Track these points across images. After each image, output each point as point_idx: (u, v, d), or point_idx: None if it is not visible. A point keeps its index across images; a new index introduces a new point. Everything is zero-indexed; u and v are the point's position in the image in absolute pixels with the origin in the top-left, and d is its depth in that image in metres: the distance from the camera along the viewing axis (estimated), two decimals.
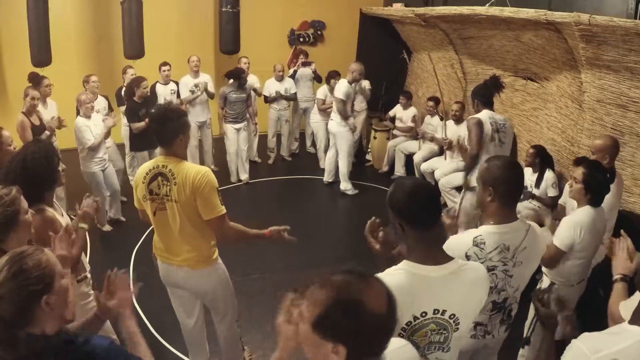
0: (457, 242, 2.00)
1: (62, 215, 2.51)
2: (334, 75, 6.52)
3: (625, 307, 1.79)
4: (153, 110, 2.53)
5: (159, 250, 2.65)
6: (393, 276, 1.56)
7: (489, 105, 4.07)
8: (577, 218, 2.64)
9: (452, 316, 1.58)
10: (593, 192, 2.63)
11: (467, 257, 1.94)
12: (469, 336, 2.16)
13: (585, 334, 1.33)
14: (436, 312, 1.56)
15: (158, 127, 2.43)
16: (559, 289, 2.75)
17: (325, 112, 6.49)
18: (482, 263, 1.95)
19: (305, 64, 7.26)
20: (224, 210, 2.46)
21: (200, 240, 2.55)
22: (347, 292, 1.11)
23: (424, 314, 1.55)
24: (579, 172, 2.67)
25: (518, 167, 2.04)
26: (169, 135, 2.41)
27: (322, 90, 6.62)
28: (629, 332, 1.29)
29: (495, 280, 2.02)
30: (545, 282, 2.83)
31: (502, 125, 4.03)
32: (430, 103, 6.17)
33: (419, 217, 1.56)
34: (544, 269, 2.84)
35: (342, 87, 5.70)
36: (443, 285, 1.55)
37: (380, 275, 1.57)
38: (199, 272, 2.61)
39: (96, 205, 2.53)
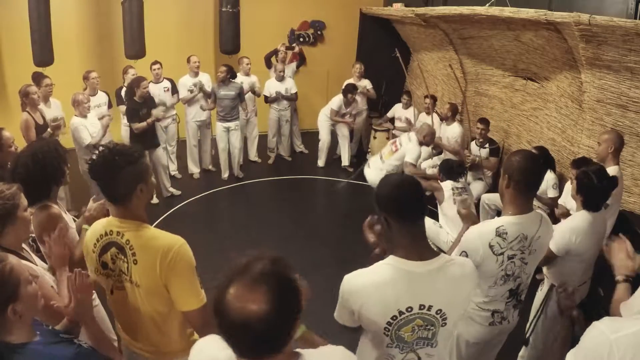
0: (479, 232, 2.07)
1: (65, 213, 2.52)
2: (351, 90, 6.48)
3: (625, 307, 1.80)
4: (94, 158, 1.74)
5: (120, 330, 2.03)
6: (378, 270, 1.60)
7: (452, 178, 4.36)
8: (572, 224, 2.62)
9: (438, 312, 1.60)
10: (584, 194, 2.60)
11: (491, 247, 2.03)
12: (487, 324, 2.25)
13: (606, 317, 1.36)
14: (422, 307, 1.58)
15: (105, 180, 1.73)
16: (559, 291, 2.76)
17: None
18: (504, 252, 2.04)
19: (288, 48, 7.27)
20: (205, 299, 1.77)
21: (171, 330, 1.88)
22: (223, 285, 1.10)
23: (409, 309, 1.57)
24: (578, 171, 2.70)
25: (535, 161, 2.10)
26: (122, 189, 1.73)
27: (337, 102, 6.58)
28: None
29: (513, 268, 2.12)
30: (546, 285, 2.82)
31: (463, 189, 4.29)
32: (428, 100, 6.16)
33: (403, 210, 1.59)
34: (545, 271, 2.84)
35: (416, 149, 4.83)
36: (428, 281, 1.58)
37: (366, 269, 1.62)
38: None
39: (104, 209, 2.51)
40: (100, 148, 1.75)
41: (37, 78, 5.12)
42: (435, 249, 1.69)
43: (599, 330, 1.30)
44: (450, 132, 5.64)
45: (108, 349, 1.64)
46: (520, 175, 2.03)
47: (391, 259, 1.61)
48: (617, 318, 1.35)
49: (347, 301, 1.61)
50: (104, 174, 1.72)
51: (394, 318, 1.58)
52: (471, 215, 2.42)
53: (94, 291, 2.59)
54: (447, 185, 4.25)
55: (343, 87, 6.55)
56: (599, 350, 1.26)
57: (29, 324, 1.49)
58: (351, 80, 6.92)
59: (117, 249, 1.79)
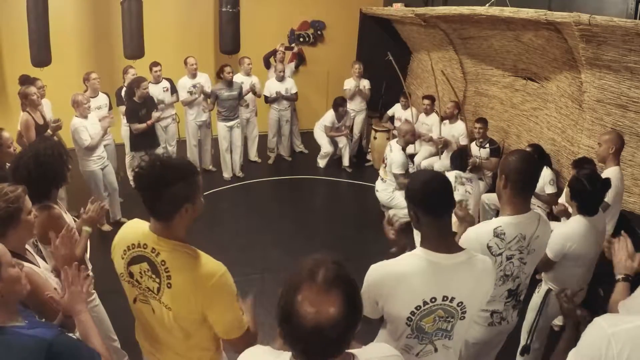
0: (477, 233, 2.08)
1: (65, 213, 2.52)
2: (341, 103, 6.58)
3: (624, 306, 1.80)
4: (142, 169, 1.60)
5: (141, 339, 1.94)
6: (406, 261, 1.65)
7: (460, 169, 4.51)
8: (566, 229, 2.61)
9: (459, 304, 1.64)
10: (577, 199, 2.60)
11: (489, 248, 2.04)
12: (487, 324, 2.25)
13: (606, 314, 1.38)
14: (445, 298, 1.62)
15: (149, 193, 1.59)
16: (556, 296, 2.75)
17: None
18: (502, 253, 2.05)
19: (287, 49, 7.36)
20: (247, 324, 1.71)
21: (200, 343, 1.80)
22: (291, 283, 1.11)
23: (433, 300, 1.62)
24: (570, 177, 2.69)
25: (531, 161, 2.11)
26: (166, 206, 1.60)
27: (329, 118, 6.66)
28: None
29: (512, 268, 2.12)
30: (543, 289, 2.82)
31: (468, 180, 4.39)
32: (426, 101, 6.18)
33: (431, 205, 1.64)
34: (543, 275, 2.83)
35: (398, 158, 4.71)
36: (453, 273, 1.62)
37: (393, 260, 1.67)
38: None
39: (102, 210, 2.51)
40: (150, 156, 1.63)
41: (28, 81, 5.09)
42: None
43: (597, 325, 1.32)
44: (456, 131, 5.66)
45: (96, 345, 1.64)
46: (517, 175, 2.04)
47: (419, 250, 1.66)
48: (616, 314, 1.36)
49: (373, 290, 1.64)
50: (150, 187, 1.57)
51: (418, 308, 1.62)
52: (467, 217, 2.40)
53: (93, 291, 2.61)
54: (450, 175, 4.29)
55: (333, 102, 6.66)
56: (598, 343, 1.28)
57: (13, 308, 1.51)
58: (350, 80, 6.94)
59: (149, 265, 1.65)
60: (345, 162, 6.88)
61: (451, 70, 6.41)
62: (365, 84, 6.97)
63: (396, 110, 6.83)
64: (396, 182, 4.86)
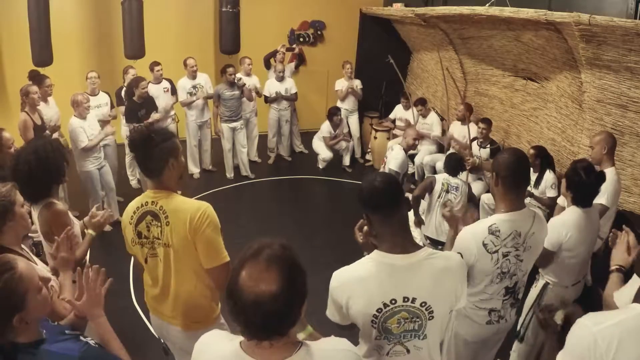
0: (472, 232, 2.08)
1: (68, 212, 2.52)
2: (335, 112, 6.63)
3: (618, 297, 1.82)
4: (134, 135, 2.08)
5: (150, 299, 2.24)
6: (362, 265, 1.66)
7: (450, 173, 4.36)
8: (562, 218, 2.66)
9: (423, 304, 1.63)
10: (573, 190, 2.65)
11: (484, 246, 2.04)
12: (485, 323, 2.25)
13: (591, 313, 1.38)
14: (406, 299, 1.61)
15: (142, 154, 2.01)
16: (553, 290, 2.76)
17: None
18: (498, 250, 2.05)
19: (288, 50, 7.39)
20: (228, 257, 2.02)
21: (199, 295, 2.12)
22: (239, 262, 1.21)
23: (393, 301, 1.61)
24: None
25: (520, 157, 2.12)
26: (156, 163, 1.99)
27: (326, 129, 6.69)
28: (631, 308, 1.33)
29: (509, 265, 2.12)
30: (540, 283, 2.82)
31: (455, 187, 4.28)
32: (419, 106, 6.24)
33: (377, 203, 1.65)
34: (540, 268, 2.84)
35: (397, 156, 4.55)
36: (409, 273, 1.62)
37: (352, 265, 1.68)
38: (194, 334, 2.00)
39: (109, 217, 2.51)
40: (139, 127, 2.01)
41: (38, 78, 5.11)
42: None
43: (582, 325, 1.32)
44: (467, 132, 5.63)
45: (117, 348, 1.65)
46: (507, 171, 2.06)
47: (375, 254, 1.67)
48: (600, 312, 1.37)
49: (335, 296, 1.67)
50: (141, 148, 1.99)
51: (379, 310, 1.62)
52: (455, 218, 2.35)
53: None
54: (439, 179, 4.29)
55: (327, 112, 6.70)
56: (583, 343, 1.28)
57: (36, 326, 1.49)
58: (342, 80, 6.97)
59: (152, 216, 2.02)
60: (346, 161, 6.90)
61: (451, 71, 6.41)
62: (357, 83, 6.98)
63: (397, 111, 6.85)
64: None
